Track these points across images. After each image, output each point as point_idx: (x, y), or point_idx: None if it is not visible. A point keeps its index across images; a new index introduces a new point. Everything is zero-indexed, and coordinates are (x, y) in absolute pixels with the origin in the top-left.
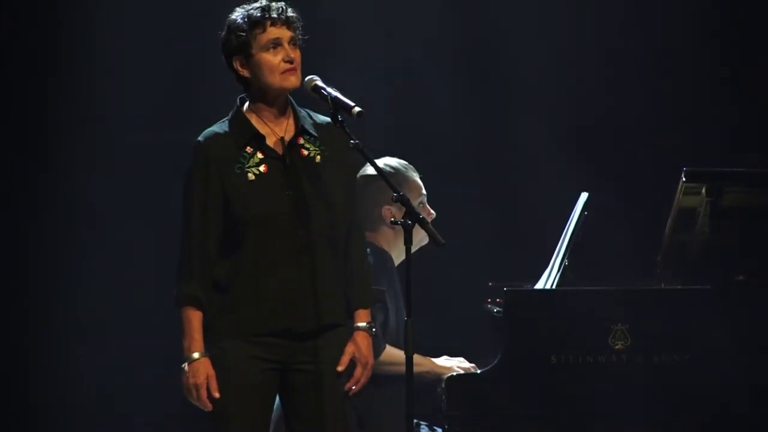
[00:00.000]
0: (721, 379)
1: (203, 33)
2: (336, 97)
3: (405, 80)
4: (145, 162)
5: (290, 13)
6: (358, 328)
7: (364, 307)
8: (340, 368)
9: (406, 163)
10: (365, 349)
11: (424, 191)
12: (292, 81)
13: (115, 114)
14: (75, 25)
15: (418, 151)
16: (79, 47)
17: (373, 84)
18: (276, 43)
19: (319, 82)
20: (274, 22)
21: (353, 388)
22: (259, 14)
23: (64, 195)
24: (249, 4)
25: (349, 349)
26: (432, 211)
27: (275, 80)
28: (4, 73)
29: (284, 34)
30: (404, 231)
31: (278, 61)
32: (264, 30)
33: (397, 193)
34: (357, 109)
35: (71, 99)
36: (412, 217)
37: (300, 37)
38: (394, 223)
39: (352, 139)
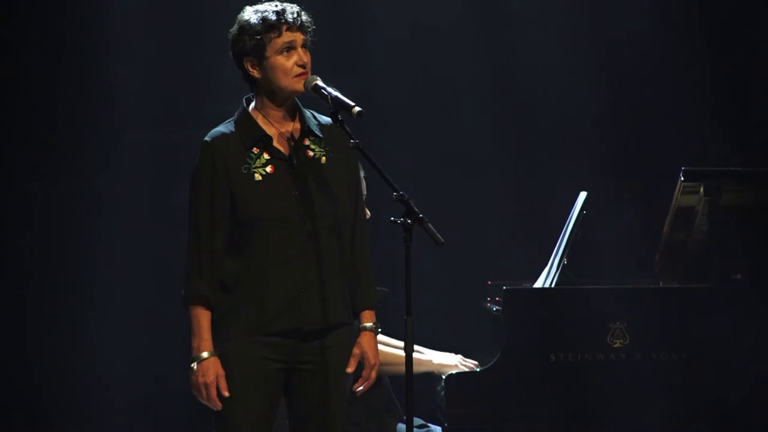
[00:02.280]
0: (719, 377)
1: (207, 32)
2: (336, 97)
3: (401, 70)
4: (149, 161)
5: (304, 17)
6: (365, 329)
7: (370, 308)
8: (349, 369)
9: None
10: (372, 350)
11: (365, 191)
12: (303, 85)
13: (120, 113)
14: (80, 25)
15: (418, 151)
16: (83, 48)
17: (384, 87)
18: (290, 47)
19: (319, 82)
20: (289, 27)
21: (360, 388)
22: (274, 18)
23: (68, 194)
24: (260, 4)
25: (357, 350)
26: (367, 212)
27: (287, 83)
28: (8, 73)
29: (298, 38)
30: (404, 229)
31: (291, 65)
32: (279, 34)
33: (397, 192)
34: (357, 108)
35: (74, 99)
36: (412, 217)
37: (311, 40)
38: (394, 221)
39: (352, 139)
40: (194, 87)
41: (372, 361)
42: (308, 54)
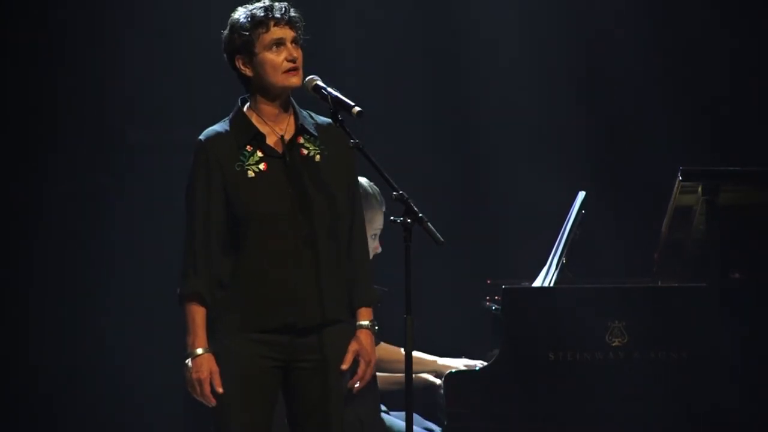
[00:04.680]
0: (718, 376)
1: (208, 32)
2: (336, 97)
3: (401, 74)
4: (148, 160)
5: (293, 13)
6: (361, 326)
7: (367, 306)
8: (344, 366)
9: (378, 191)
10: (368, 347)
11: (380, 226)
12: (294, 81)
13: (121, 112)
14: (82, 25)
15: (417, 149)
16: (86, 48)
17: (373, 77)
18: (279, 43)
19: (319, 82)
20: (277, 22)
21: (356, 385)
22: (262, 14)
23: (68, 194)
24: (251, 3)
25: (353, 347)
26: (379, 248)
27: (278, 79)
28: (12, 73)
29: (287, 34)
30: (404, 229)
31: (281, 61)
32: (267, 30)
33: (397, 191)
34: (357, 108)
35: (75, 98)
36: (412, 216)
37: (302, 36)
38: (393, 221)
39: (352, 139)
40: (195, 87)
41: (368, 359)
42: (299, 50)
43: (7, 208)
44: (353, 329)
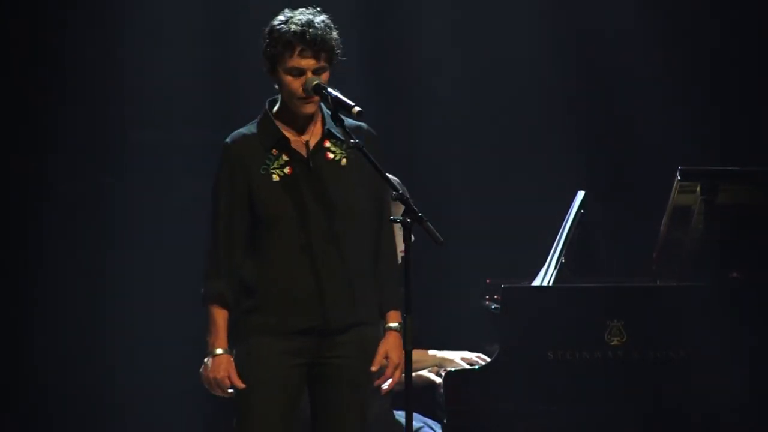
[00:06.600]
0: (716, 375)
1: (209, 32)
2: (336, 97)
3: (399, 71)
4: (148, 161)
5: (326, 37)
6: (390, 329)
7: (395, 308)
8: (374, 368)
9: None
10: (396, 350)
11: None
12: (308, 109)
13: (123, 112)
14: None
15: (416, 148)
16: (86, 47)
17: (373, 76)
18: (300, 72)
19: (320, 82)
20: (302, 51)
21: (384, 386)
22: (292, 38)
23: (68, 194)
24: (295, 10)
25: (382, 349)
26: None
27: (292, 104)
28: (13, 73)
29: (309, 64)
30: (403, 229)
31: (297, 87)
32: (291, 56)
33: (397, 191)
34: (357, 108)
35: (77, 98)
36: (412, 216)
37: (334, 57)
38: (393, 220)
39: (352, 139)
40: (195, 87)
41: (396, 361)
42: (322, 76)
43: (8, 208)
44: (379, 331)
